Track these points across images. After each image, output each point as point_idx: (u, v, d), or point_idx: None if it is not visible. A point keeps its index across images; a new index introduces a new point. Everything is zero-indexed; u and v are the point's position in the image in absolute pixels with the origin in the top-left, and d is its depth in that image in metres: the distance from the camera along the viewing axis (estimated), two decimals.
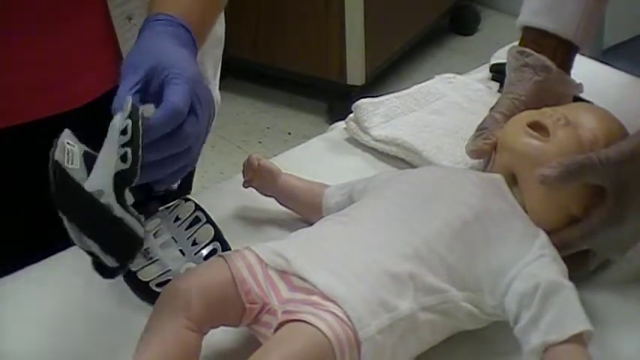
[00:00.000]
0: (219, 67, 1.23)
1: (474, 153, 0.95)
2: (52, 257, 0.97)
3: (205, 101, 0.85)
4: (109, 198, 0.77)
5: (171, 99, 0.81)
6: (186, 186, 1.22)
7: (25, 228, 1.08)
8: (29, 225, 1.08)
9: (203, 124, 0.84)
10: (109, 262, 0.77)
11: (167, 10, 0.90)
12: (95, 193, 0.77)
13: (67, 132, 0.80)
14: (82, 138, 0.81)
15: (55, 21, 0.98)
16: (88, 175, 0.79)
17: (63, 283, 0.94)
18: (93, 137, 0.81)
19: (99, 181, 0.77)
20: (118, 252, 0.77)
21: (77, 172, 0.78)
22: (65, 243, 0.99)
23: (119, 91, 0.82)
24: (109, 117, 0.80)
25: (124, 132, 0.78)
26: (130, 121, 0.78)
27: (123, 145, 0.78)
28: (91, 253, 0.77)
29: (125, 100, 0.79)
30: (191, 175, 1.24)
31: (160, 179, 0.84)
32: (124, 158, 0.77)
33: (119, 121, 0.78)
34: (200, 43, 0.93)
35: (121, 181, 0.77)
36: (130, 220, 0.77)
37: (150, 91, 0.83)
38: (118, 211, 0.77)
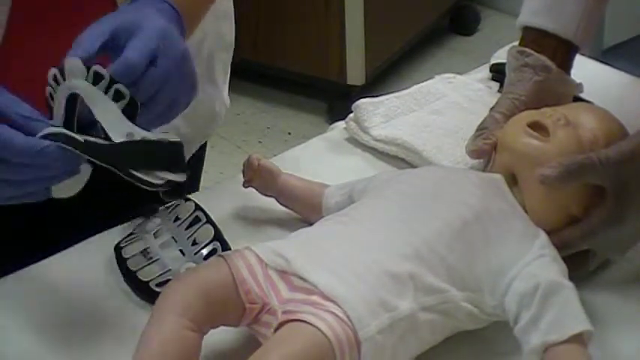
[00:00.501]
0: (229, 72, 1.23)
1: (473, 153, 0.95)
2: (52, 257, 0.97)
3: (173, 53, 0.83)
4: (140, 134, 0.78)
5: (127, 54, 0.80)
6: (192, 184, 1.22)
7: (25, 228, 1.08)
8: (29, 225, 1.08)
9: (164, 75, 0.82)
10: (181, 178, 0.80)
11: None
12: (129, 138, 0.78)
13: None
14: None
15: (56, 20, 0.98)
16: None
17: (63, 283, 0.94)
18: None
19: (119, 128, 0.78)
20: (180, 165, 0.80)
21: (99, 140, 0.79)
22: (65, 243, 0.99)
23: (82, 39, 0.81)
24: None
25: (97, 80, 0.78)
26: (95, 68, 0.78)
27: (108, 88, 0.78)
28: (164, 184, 0.79)
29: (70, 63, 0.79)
30: (198, 174, 1.24)
31: None
32: (119, 96, 0.78)
33: (85, 76, 0.79)
34: (188, 28, 0.92)
35: (132, 113, 0.79)
36: (162, 135, 0.80)
37: (116, 47, 0.81)
38: (153, 135, 0.79)
